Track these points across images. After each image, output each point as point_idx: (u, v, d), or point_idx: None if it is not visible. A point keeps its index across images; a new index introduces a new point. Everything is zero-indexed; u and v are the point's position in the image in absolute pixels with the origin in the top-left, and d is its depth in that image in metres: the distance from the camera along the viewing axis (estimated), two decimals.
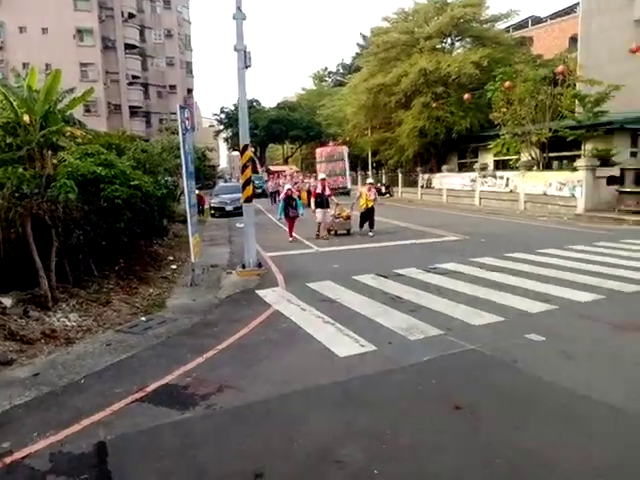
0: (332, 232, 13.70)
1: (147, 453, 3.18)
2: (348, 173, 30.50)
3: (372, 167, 35.14)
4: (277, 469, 2.95)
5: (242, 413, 3.70)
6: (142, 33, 46.95)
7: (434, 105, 24.56)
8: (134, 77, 46.12)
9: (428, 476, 2.87)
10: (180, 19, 50.14)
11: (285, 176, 28.35)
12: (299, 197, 14.84)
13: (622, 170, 15.78)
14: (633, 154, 17.07)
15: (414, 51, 26.41)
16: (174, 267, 9.83)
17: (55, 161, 8.99)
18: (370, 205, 13.44)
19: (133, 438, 3.37)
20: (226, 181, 40.11)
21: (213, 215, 21.80)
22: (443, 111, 24.60)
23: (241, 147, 9.14)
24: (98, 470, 3.01)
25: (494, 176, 21.58)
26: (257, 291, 7.65)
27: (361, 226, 13.78)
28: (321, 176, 13.95)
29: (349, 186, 29.92)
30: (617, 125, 17.65)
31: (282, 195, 13.28)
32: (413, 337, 5.18)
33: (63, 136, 9.38)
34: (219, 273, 9.27)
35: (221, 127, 50.68)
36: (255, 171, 44.20)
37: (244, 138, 9.06)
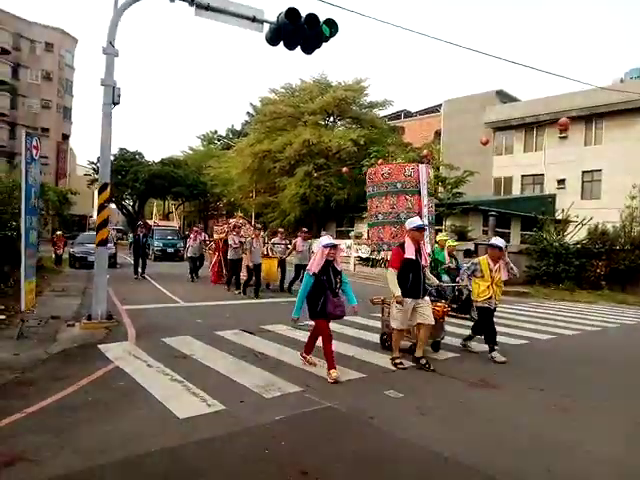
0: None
1: None
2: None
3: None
4: None
5: None
6: (16, 71, 43.76)
7: (315, 175, 25.73)
8: (0, 114, 41.98)
9: None
10: (62, 63, 47.64)
11: (230, 228, 13.94)
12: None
13: (476, 245, 17.59)
14: (484, 232, 19.24)
15: (299, 123, 27.86)
16: (2, 317, 8.26)
17: None
18: (498, 300, 6.71)
19: None
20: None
21: (73, 265, 19.44)
22: (324, 181, 25.83)
23: (99, 186, 8.28)
24: None
25: (367, 244, 22.70)
26: (100, 345, 6.59)
27: (486, 340, 6.73)
28: (416, 224, 5.98)
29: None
30: (472, 206, 20.00)
31: (312, 265, 5.56)
32: (269, 395, 4.67)
33: None
34: (60, 325, 7.94)
35: (96, 176, 47.32)
36: (134, 224, 41.43)
37: (104, 176, 8.25)
